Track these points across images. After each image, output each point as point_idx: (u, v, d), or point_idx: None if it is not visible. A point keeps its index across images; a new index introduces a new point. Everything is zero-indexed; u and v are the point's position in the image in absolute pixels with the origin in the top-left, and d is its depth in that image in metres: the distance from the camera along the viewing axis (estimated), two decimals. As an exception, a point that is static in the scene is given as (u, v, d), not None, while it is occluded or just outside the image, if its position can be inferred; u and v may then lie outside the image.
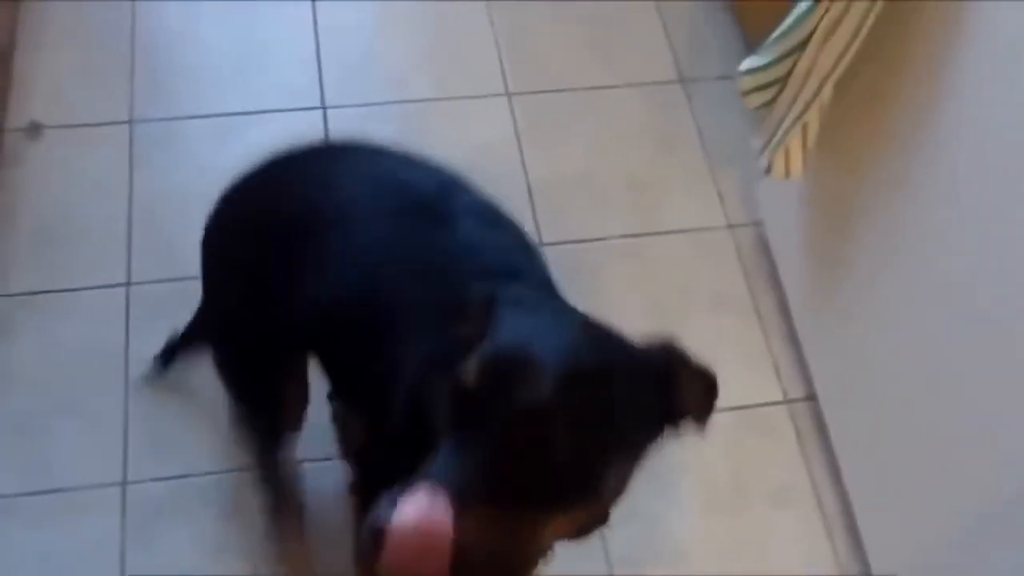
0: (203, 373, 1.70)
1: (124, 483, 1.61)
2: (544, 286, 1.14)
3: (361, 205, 1.17)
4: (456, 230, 1.12)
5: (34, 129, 1.92)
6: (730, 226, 1.97)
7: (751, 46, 2.07)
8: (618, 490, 0.89)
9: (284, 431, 1.45)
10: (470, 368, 0.84)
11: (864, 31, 1.30)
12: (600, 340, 0.91)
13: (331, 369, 1.25)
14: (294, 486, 1.58)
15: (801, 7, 1.33)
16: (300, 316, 1.19)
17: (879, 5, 1.27)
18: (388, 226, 1.15)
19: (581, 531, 0.92)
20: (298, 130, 1.97)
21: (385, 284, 1.12)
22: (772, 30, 1.80)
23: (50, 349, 1.72)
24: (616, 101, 2.10)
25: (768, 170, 1.52)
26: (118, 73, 2.02)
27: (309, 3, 2.16)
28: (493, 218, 1.18)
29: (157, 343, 1.68)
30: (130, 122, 1.96)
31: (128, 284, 1.78)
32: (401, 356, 1.09)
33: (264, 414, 1.41)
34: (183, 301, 1.56)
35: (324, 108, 2.01)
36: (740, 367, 1.80)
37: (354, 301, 1.14)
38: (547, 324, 0.91)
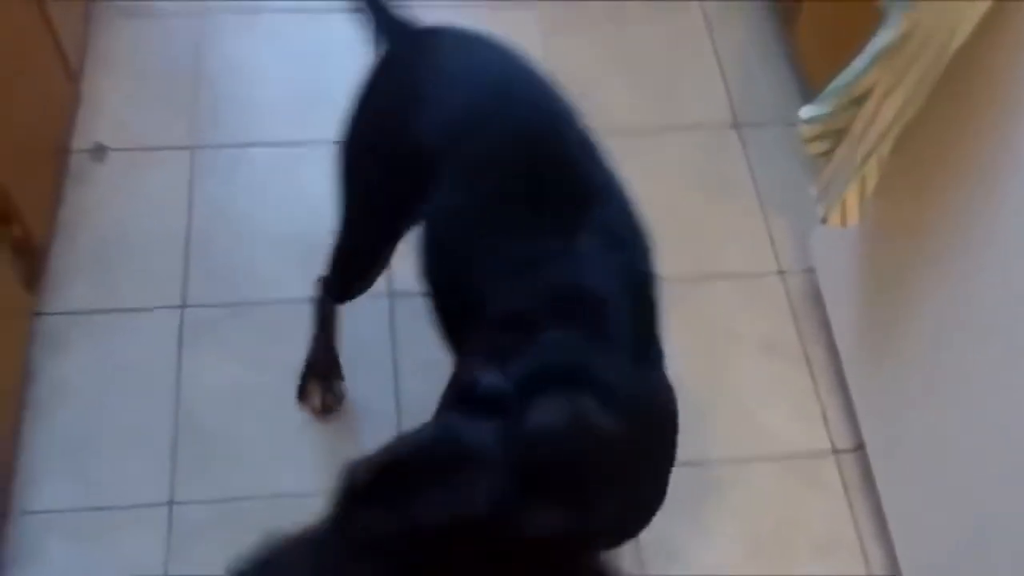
0: (249, 396, 1.73)
1: (170, 503, 1.63)
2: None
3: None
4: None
5: (99, 151, 1.96)
6: (781, 272, 1.96)
7: (807, 91, 2.07)
8: None
9: (358, 290, 1.57)
10: None
11: (927, 88, 1.29)
12: None
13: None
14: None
15: (863, 60, 1.33)
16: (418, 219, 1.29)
17: (942, 63, 1.27)
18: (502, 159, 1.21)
19: None
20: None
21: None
22: (829, 77, 1.80)
23: (103, 366, 1.75)
24: (670, 143, 2.11)
25: (825, 219, 1.51)
26: (182, 100, 2.06)
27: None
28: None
29: (209, 365, 1.70)
30: (191, 148, 2.00)
31: (183, 307, 1.81)
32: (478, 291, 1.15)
33: (361, 269, 1.52)
34: (236, 325, 1.59)
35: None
36: (788, 414, 1.79)
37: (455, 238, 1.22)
38: None
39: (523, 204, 1.16)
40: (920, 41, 1.25)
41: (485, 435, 0.91)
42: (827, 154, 1.47)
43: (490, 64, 1.33)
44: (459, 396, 1.01)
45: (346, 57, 2.16)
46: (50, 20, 1.80)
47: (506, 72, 1.32)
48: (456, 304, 1.22)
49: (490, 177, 1.21)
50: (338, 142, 1.42)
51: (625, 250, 1.17)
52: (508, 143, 1.22)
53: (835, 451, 1.77)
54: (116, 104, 2.04)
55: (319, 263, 1.57)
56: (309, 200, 1.94)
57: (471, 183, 1.22)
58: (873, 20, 1.46)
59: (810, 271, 1.92)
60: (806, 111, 1.47)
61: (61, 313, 1.79)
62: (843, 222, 1.51)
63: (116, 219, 1.90)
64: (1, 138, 1.57)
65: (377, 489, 0.88)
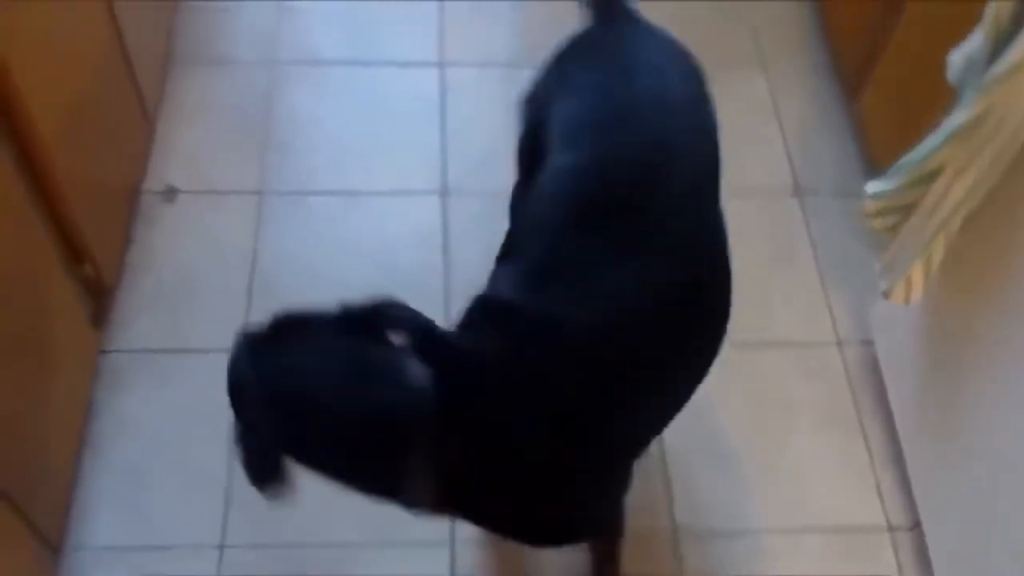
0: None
1: (222, 547, 1.64)
2: None
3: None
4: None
5: (170, 192, 2.01)
6: (839, 342, 1.95)
7: (869, 162, 2.08)
8: None
9: None
10: None
11: (1000, 168, 1.29)
12: None
13: None
14: None
15: (935, 138, 1.34)
16: None
17: (1016, 145, 1.27)
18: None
19: None
20: (417, 215, 2.03)
21: None
22: (891, 149, 1.80)
23: (164, 405, 1.78)
24: (731, 208, 2.10)
25: (888, 295, 1.51)
26: (250, 146, 2.11)
27: (437, 103, 2.23)
28: None
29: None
30: (259, 193, 2.04)
31: (243, 350, 1.84)
32: None
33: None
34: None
35: (443, 195, 2.07)
36: (842, 488, 1.77)
37: None
38: None
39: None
40: (995, 123, 1.25)
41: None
42: (892, 229, 1.46)
43: (651, 77, 1.32)
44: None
45: (406, 112, 2.21)
46: (131, 64, 1.85)
47: (663, 90, 1.31)
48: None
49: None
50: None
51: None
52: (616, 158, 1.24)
53: (890, 528, 1.74)
54: (188, 147, 2.09)
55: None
56: (369, 248, 1.97)
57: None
58: (937, 96, 1.47)
59: (868, 343, 1.90)
60: (872, 186, 1.47)
61: (125, 351, 1.82)
62: (907, 298, 1.51)
63: (182, 260, 1.94)
64: (79, 179, 1.61)
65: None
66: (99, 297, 1.75)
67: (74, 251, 1.63)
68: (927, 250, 1.42)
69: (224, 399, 1.75)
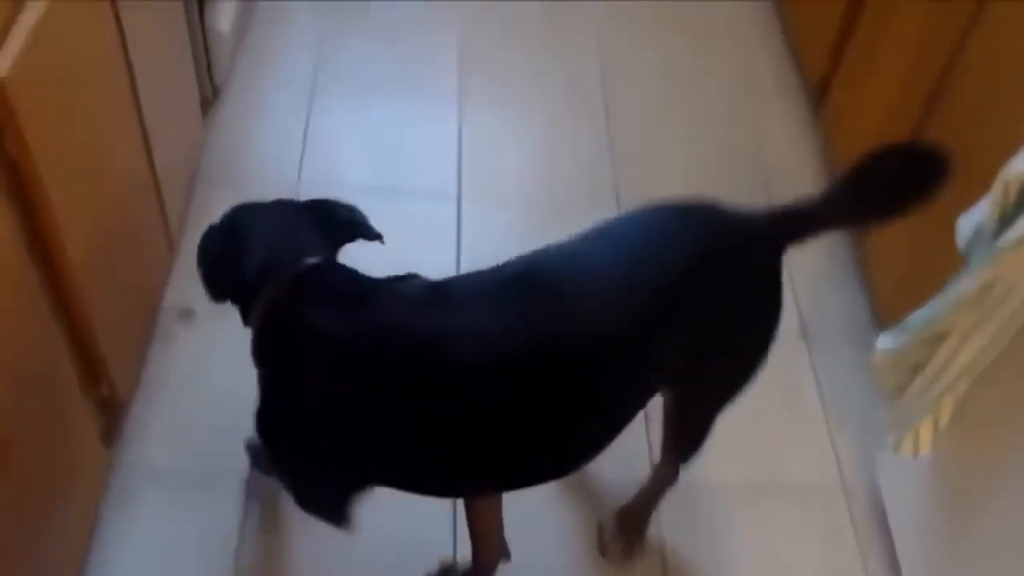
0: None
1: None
2: None
3: None
4: None
5: (187, 313, 2.04)
6: (844, 487, 1.95)
7: (876, 309, 2.11)
8: None
9: None
10: None
11: (1008, 334, 1.32)
12: None
13: None
14: None
15: (942, 301, 1.37)
16: None
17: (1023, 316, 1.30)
18: None
19: None
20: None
21: None
22: (898, 297, 1.83)
23: (169, 527, 1.77)
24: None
25: (896, 448, 1.52)
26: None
27: (454, 232, 2.27)
28: None
29: (265, 540, 1.71)
30: (275, 315, 2.06)
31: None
32: None
33: None
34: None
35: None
36: (847, 639, 1.76)
37: None
38: None
39: None
40: (1002, 292, 1.29)
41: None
42: (900, 388, 1.49)
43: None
44: None
45: (424, 239, 2.26)
46: (159, 183, 1.89)
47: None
48: None
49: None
50: None
51: None
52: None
53: None
54: (208, 268, 2.12)
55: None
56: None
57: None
58: (939, 251, 1.51)
59: (875, 489, 1.91)
60: (882, 342, 1.50)
61: (135, 469, 1.83)
62: (915, 452, 1.52)
63: (197, 381, 1.96)
64: (103, 299, 1.63)
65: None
66: (112, 415, 1.77)
67: (92, 372, 1.65)
68: (934, 409, 1.44)
69: (231, 521, 1.77)
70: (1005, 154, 1.32)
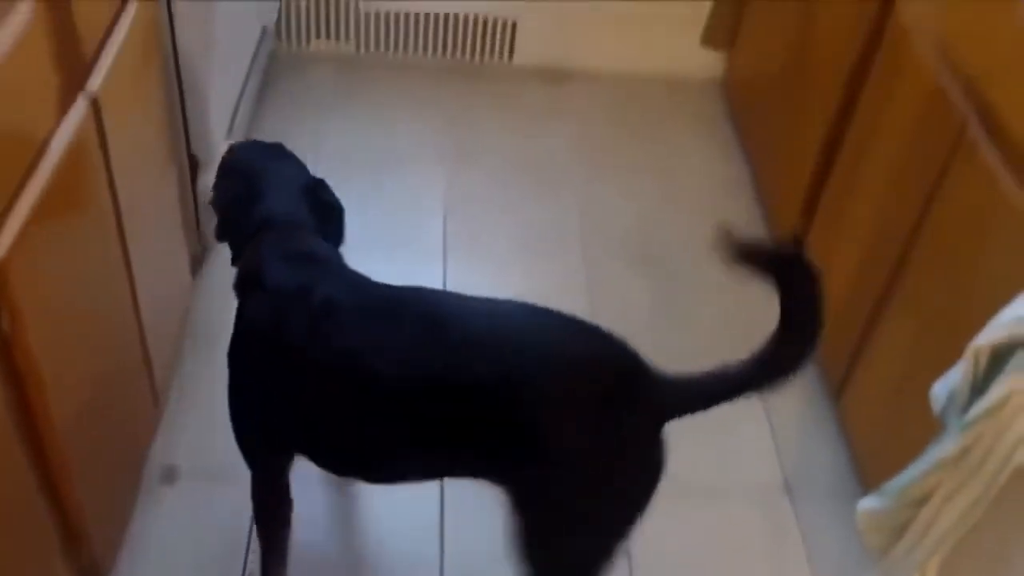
0: None
1: None
2: None
3: None
4: None
5: (170, 473, 2.03)
6: (835, 645, 1.93)
7: (857, 465, 2.13)
8: None
9: None
10: None
11: (990, 495, 1.33)
12: None
13: None
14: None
15: (922, 464, 1.39)
16: None
17: (1005, 475, 1.31)
18: None
19: None
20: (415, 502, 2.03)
21: None
22: (878, 453, 1.84)
23: None
24: (723, 505, 2.14)
25: (884, 609, 1.52)
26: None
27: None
28: None
29: None
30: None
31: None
32: None
33: None
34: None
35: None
36: None
37: None
38: None
39: None
40: (980, 455, 1.31)
41: None
42: (885, 549, 1.49)
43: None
44: None
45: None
46: (146, 342, 1.90)
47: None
48: None
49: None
50: None
51: None
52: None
53: None
54: (193, 428, 2.13)
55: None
56: (364, 533, 1.98)
57: None
58: (914, 403, 1.53)
59: (863, 649, 1.89)
60: (864, 504, 1.51)
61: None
62: (904, 614, 1.52)
63: (179, 541, 1.94)
64: (86, 460, 1.63)
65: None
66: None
67: (73, 535, 1.63)
68: (921, 569, 1.44)
69: None
70: (977, 318, 1.36)
